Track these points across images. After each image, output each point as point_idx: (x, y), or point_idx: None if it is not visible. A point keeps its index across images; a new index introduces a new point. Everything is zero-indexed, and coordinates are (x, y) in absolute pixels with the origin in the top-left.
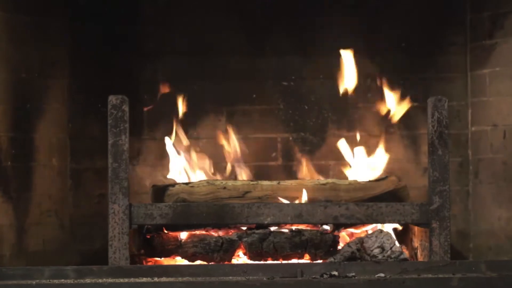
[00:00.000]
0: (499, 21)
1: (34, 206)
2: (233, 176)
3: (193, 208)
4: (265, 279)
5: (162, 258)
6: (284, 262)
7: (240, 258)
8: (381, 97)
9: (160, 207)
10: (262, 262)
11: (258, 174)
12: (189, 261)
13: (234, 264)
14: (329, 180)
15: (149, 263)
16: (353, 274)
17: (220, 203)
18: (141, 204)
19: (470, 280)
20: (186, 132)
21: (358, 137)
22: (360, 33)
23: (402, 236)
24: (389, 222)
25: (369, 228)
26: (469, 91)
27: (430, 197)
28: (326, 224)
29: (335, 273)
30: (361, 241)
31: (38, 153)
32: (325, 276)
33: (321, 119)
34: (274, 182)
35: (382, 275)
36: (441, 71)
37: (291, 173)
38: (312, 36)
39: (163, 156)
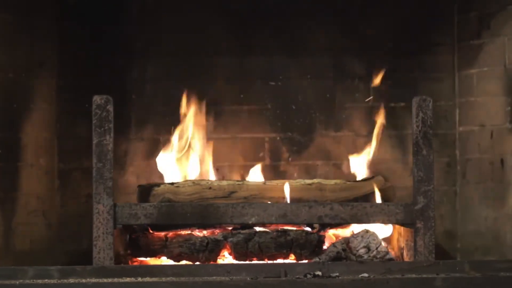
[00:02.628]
0: (486, 21)
1: (21, 206)
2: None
3: (178, 208)
4: (248, 279)
5: (148, 258)
6: (268, 262)
7: (226, 258)
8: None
9: (144, 207)
10: (246, 262)
11: (246, 174)
12: (174, 261)
13: (217, 264)
14: (315, 180)
15: (135, 263)
16: (337, 274)
17: (204, 203)
18: (126, 204)
19: (454, 280)
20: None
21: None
22: (347, 33)
23: (389, 236)
24: (374, 222)
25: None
26: (456, 91)
27: (415, 197)
28: (311, 224)
29: (319, 273)
30: (347, 241)
31: (25, 153)
32: (308, 276)
33: (309, 119)
34: (260, 182)
35: (366, 275)
36: (428, 71)
37: (279, 173)
38: (299, 36)
39: (150, 156)
